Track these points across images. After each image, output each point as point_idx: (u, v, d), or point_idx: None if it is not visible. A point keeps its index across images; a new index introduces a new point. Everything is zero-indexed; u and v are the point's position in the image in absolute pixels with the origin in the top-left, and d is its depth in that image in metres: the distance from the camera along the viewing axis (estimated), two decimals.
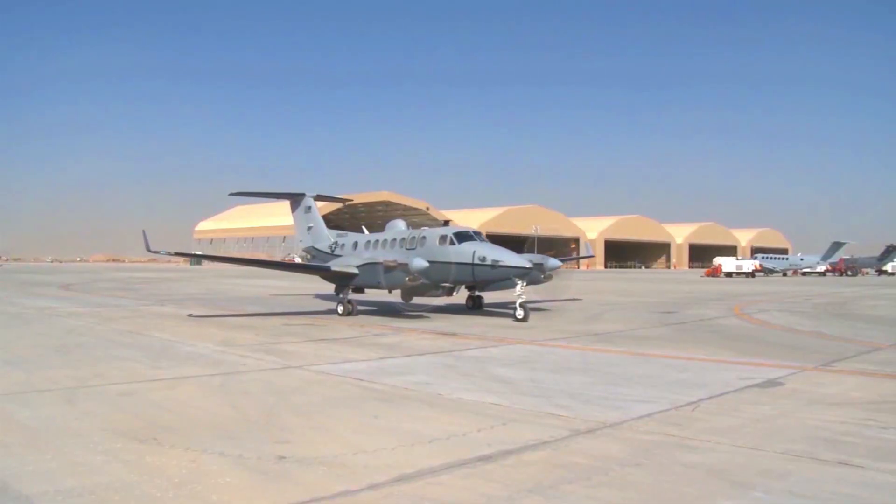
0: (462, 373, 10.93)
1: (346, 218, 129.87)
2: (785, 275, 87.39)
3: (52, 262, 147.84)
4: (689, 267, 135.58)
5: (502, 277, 19.93)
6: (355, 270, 21.20)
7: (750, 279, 73.38)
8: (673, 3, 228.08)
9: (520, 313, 19.59)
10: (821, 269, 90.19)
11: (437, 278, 20.70)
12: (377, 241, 23.95)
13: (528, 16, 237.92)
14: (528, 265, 19.74)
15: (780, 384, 10.00)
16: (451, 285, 21.70)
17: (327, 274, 22.22)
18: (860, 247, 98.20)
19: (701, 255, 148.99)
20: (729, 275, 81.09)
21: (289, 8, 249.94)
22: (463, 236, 21.01)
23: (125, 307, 24.88)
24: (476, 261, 20.05)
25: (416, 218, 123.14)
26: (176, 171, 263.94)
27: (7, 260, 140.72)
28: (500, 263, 19.77)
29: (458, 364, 11.87)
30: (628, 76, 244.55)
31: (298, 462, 5.92)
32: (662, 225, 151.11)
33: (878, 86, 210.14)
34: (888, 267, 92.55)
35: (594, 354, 13.35)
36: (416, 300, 23.09)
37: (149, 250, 21.11)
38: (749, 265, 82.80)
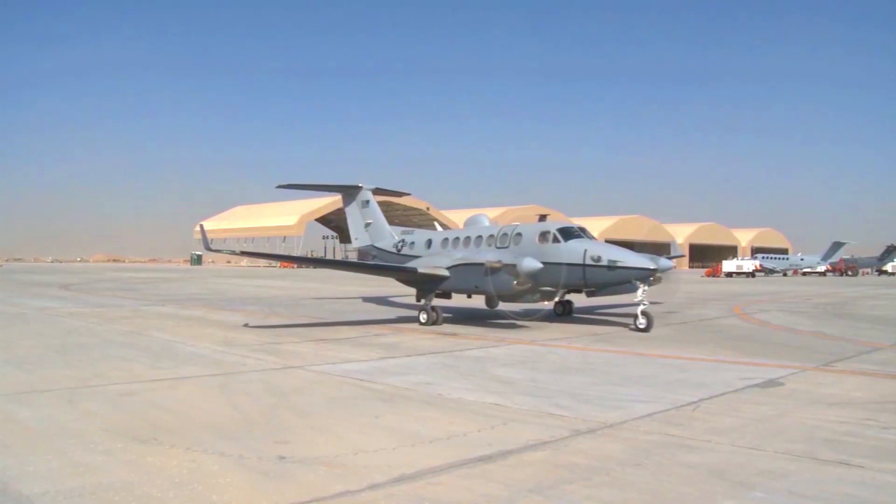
0: (462, 373, 10.93)
1: (346, 218, 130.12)
2: (785, 275, 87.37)
3: (52, 262, 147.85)
4: (690, 267, 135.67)
5: (620, 280, 17.44)
6: (445, 272, 18.70)
7: (750, 279, 73.39)
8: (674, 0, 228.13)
9: (642, 322, 17.11)
10: (821, 269, 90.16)
11: (544, 281, 17.93)
12: (457, 238, 21.31)
13: (527, 15, 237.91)
14: (653, 265, 17.20)
15: (781, 384, 10.01)
16: (554, 290, 18.83)
17: (413, 276, 19.56)
18: (860, 247, 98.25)
19: (701, 255, 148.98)
20: (729, 275, 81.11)
21: (288, 7, 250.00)
22: (568, 232, 18.46)
23: (125, 307, 24.89)
24: (588, 261, 17.46)
25: (416, 218, 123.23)
26: (176, 171, 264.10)
27: (7, 260, 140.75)
28: (619, 264, 17.20)
29: (459, 364, 11.88)
30: (628, 75, 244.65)
31: (298, 462, 5.93)
32: (663, 225, 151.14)
33: (878, 85, 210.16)
34: (888, 267, 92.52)
35: (594, 354, 13.36)
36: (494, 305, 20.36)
37: (208, 248, 19.67)
38: (749, 265, 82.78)
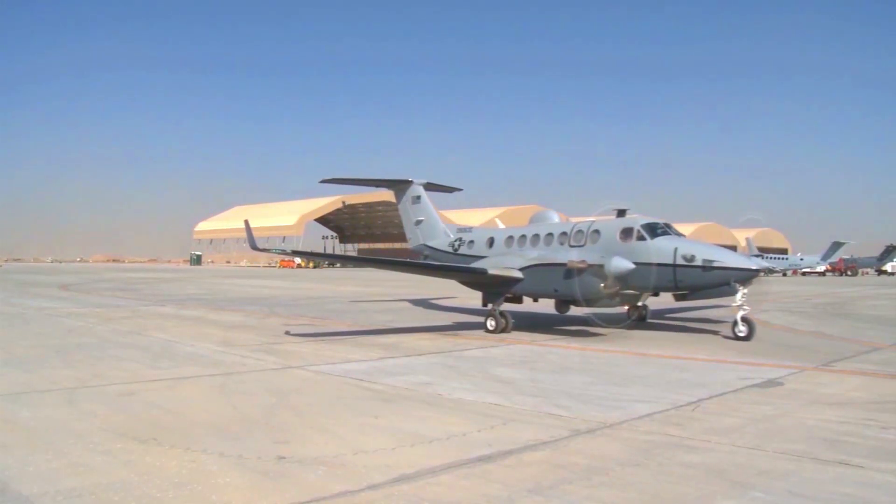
0: (462, 373, 10.93)
1: (346, 218, 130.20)
2: (785, 275, 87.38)
3: (52, 262, 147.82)
4: None
5: (716, 283, 15.59)
6: (518, 274, 16.91)
7: None
8: None
9: (742, 329, 15.41)
10: (820, 268, 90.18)
11: (632, 284, 16.27)
12: (524, 236, 19.54)
13: (526, 14, 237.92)
14: (754, 266, 15.60)
15: (780, 384, 10.01)
16: (637, 293, 17.24)
17: (482, 278, 17.69)
18: (860, 247, 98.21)
19: None
20: None
21: (288, 7, 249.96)
22: (654, 228, 16.67)
23: (125, 307, 24.88)
24: (680, 261, 15.72)
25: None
26: (176, 171, 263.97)
27: (7, 260, 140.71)
28: (716, 264, 15.45)
29: (458, 364, 11.88)
30: (627, 74, 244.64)
31: (298, 462, 5.93)
32: None
33: (879, 84, 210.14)
34: (888, 267, 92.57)
35: (594, 354, 13.36)
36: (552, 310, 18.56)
37: (254, 248, 18.13)
38: None
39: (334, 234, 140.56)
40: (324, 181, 24.52)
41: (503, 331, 16.64)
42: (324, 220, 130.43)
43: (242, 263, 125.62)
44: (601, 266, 15.41)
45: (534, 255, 17.44)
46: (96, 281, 50.11)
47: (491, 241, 20.76)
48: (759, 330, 17.94)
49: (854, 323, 20.61)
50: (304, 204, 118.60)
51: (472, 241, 21.66)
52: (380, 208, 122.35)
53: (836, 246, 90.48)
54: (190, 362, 11.81)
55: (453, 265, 20.22)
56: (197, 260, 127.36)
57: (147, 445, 6.42)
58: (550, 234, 18.61)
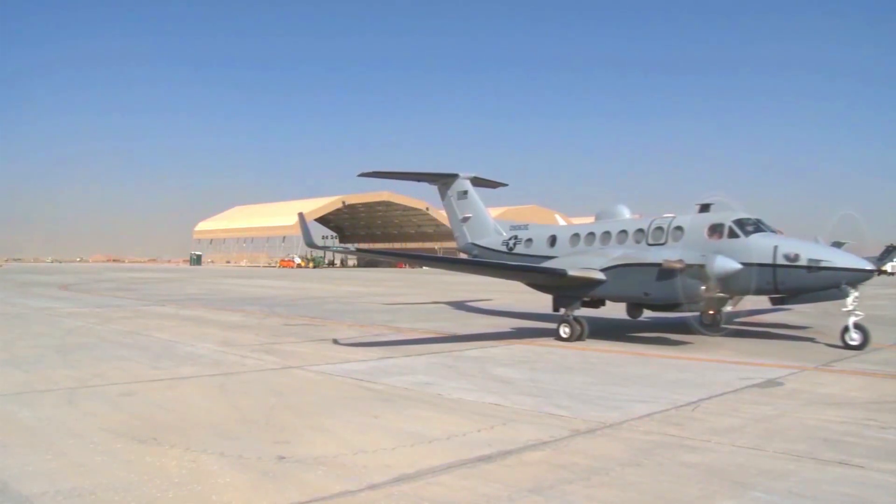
0: (462, 373, 10.93)
1: (346, 218, 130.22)
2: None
3: (52, 262, 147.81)
4: None
5: (823, 285, 13.99)
6: (600, 276, 15.18)
7: None
8: None
9: (854, 337, 13.80)
10: None
11: (733, 286, 14.69)
12: (591, 233, 17.95)
13: (526, 13, 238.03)
14: (870, 266, 14.03)
15: (780, 384, 10.01)
16: (729, 297, 15.79)
17: (561, 281, 15.76)
18: (860, 247, 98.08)
19: None
20: None
21: (286, 6, 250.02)
22: (747, 224, 15.07)
23: (125, 307, 24.89)
24: (781, 260, 14.09)
25: (416, 218, 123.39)
26: (176, 171, 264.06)
27: (7, 260, 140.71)
28: (824, 264, 13.77)
29: (458, 364, 11.88)
30: (626, 73, 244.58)
31: (298, 462, 5.93)
32: None
33: (878, 83, 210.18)
34: (888, 267, 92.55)
35: (594, 354, 13.35)
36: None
37: (310, 244, 16.98)
38: None
39: (334, 234, 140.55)
40: (363, 174, 22.76)
41: (578, 338, 15.10)
42: (324, 220, 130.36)
43: (242, 263, 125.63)
44: (702, 266, 13.85)
45: (617, 255, 15.61)
46: (96, 281, 50.12)
47: (552, 240, 19.23)
48: (758, 330, 17.92)
49: None
50: (304, 204, 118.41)
51: (529, 240, 20.09)
52: (380, 208, 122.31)
53: (836, 246, 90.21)
54: (190, 362, 11.81)
55: (532, 266, 17.52)
56: (197, 260, 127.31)
57: (147, 445, 6.42)
58: (624, 232, 17.05)
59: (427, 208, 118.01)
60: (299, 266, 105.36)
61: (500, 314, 23.47)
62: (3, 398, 8.63)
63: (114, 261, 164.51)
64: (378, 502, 4.97)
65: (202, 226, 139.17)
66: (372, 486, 5.29)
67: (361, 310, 24.76)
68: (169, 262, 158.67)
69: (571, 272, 15.55)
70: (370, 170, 22.63)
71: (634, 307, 16.41)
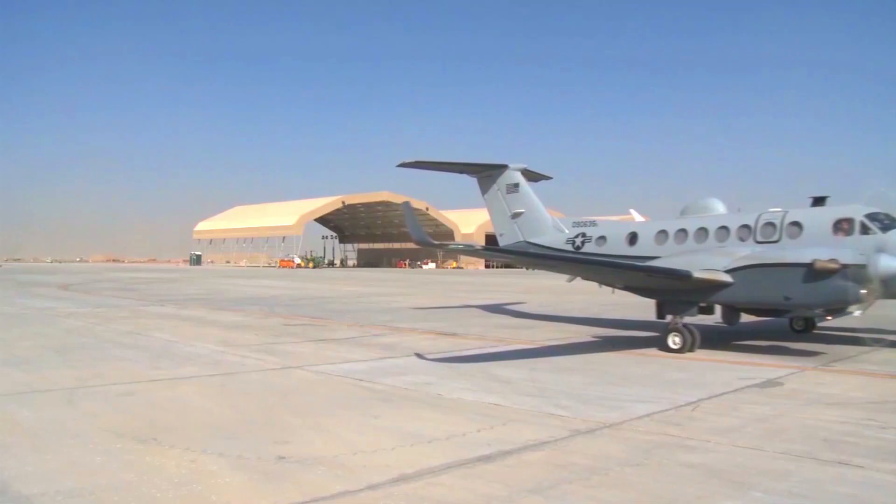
0: (462, 373, 10.93)
1: (345, 218, 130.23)
2: None
3: (52, 262, 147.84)
4: None
5: None
6: (726, 278, 13.39)
7: None
8: None
9: None
10: None
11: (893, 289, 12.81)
12: (683, 230, 16.13)
13: (526, 13, 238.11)
14: None
15: (780, 384, 10.01)
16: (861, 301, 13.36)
17: (681, 283, 13.86)
18: None
19: None
20: None
21: (286, 5, 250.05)
22: (881, 219, 13.55)
23: (125, 307, 24.89)
24: None
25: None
26: (176, 171, 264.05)
27: (7, 260, 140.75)
28: None
29: (459, 364, 11.87)
30: (625, 72, 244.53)
31: (298, 462, 5.93)
32: None
33: (878, 81, 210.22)
34: None
35: (594, 354, 13.35)
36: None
37: (421, 241, 14.80)
38: None
39: (334, 234, 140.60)
40: (403, 164, 20.78)
41: (690, 349, 13.43)
42: (323, 220, 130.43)
43: (242, 263, 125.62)
44: (862, 266, 12.01)
45: (743, 253, 13.83)
46: (96, 281, 50.12)
47: (633, 237, 17.34)
48: (758, 330, 17.90)
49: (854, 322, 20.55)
50: (304, 204, 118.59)
51: (602, 238, 18.15)
52: (379, 208, 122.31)
53: None
54: (190, 362, 11.80)
55: (657, 267, 14.81)
56: (197, 260, 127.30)
57: (147, 445, 6.42)
58: (724, 228, 15.32)
59: (427, 208, 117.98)
60: (299, 266, 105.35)
61: (549, 319, 21.48)
62: (3, 398, 8.62)
63: (114, 261, 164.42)
64: (378, 502, 4.97)
65: (202, 226, 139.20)
66: (372, 486, 5.28)
67: (363, 310, 24.76)
68: (169, 262, 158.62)
69: (697, 274, 13.62)
70: (411, 159, 20.53)
71: (734, 312, 14.85)
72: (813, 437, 6.87)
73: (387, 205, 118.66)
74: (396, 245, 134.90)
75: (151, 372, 10.79)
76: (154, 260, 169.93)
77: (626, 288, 16.11)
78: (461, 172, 22.57)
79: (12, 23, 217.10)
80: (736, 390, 9.49)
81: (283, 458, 6.06)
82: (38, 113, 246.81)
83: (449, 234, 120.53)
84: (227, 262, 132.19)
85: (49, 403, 8.34)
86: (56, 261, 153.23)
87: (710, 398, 8.92)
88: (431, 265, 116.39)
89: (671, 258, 15.26)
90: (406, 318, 21.53)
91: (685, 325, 13.85)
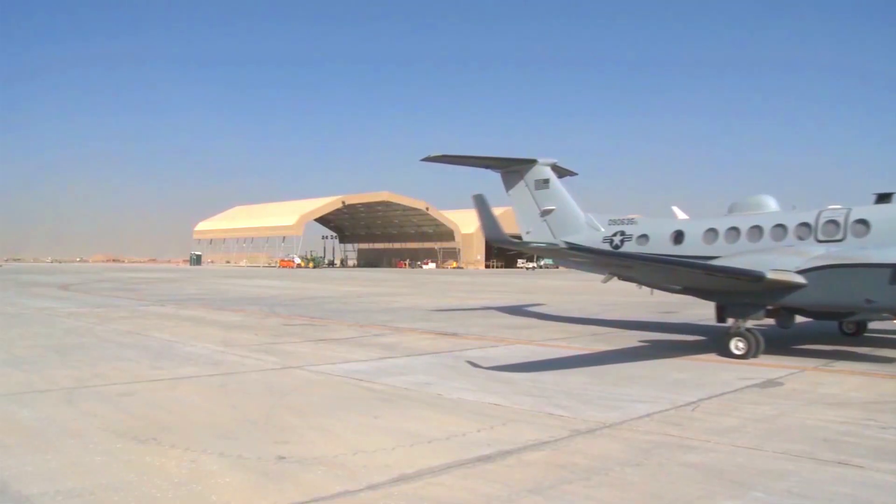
0: (462, 373, 10.93)
1: (345, 218, 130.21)
2: None
3: (52, 262, 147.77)
4: None
5: None
6: (799, 279, 12.50)
7: None
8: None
9: None
10: None
11: None
12: (734, 228, 15.33)
13: (526, 13, 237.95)
14: None
15: (780, 384, 10.01)
16: None
17: (753, 285, 12.90)
18: None
19: None
20: None
21: (286, 6, 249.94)
22: None
23: (125, 307, 24.88)
24: None
25: (415, 218, 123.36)
26: (176, 171, 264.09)
27: (7, 260, 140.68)
28: None
29: (458, 364, 11.87)
30: (625, 72, 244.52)
31: (298, 462, 5.93)
32: None
33: (877, 81, 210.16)
34: None
35: (594, 355, 13.34)
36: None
37: (497, 240, 13.62)
38: None
39: (334, 234, 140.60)
40: (427, 159, 20.04)
41: (754, 355, 12.67)
42: (323, 220, 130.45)
43: (242, 263, 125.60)
44: None
45: (818, 253, 12.90)
46: (96, 281, 50.10)
47: (678, 236, 16.49)
48: (758, 330, 17.85)
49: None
50: (304, 204, 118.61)
51: (643, 236, 17.34)
52: (379, 208, 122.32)
53: None
54: (190, 362, 11.80)
55: (733, 267, 13.27)
56: (197, 260, 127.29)
57: (147, 445, 6.42)
58: (781, 226, 14.52)
59: (427, 208, 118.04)
60: (299, 266, 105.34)
61: (572, 321, 20.71)
62: (3, 398, 8.62)
63: (114, 261, 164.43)
64: (378, 502, 4.97)
65: (202, 226, 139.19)
66: (372, 486, 5.28)
67: (363, 310, 24.75)
68: (169, 262, 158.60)
69: (770, 275, 12.69)
70: (436, 153, 19.75)
71: (789, 315, 14.24)
72: (813, 437, 6.87)
73: (387, 205, 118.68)
74: (396, 245, 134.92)
75: (151, 372, 10.78)
76: (154, 260, 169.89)
77: (684, 290, 15.04)
78: (486, 167, 21.62)
79: (12, 23, 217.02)
80: (736, 390, 9.49)
81: (283, 458, 6.06)
82: (38, 114, 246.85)
83: (449, 234, 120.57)
84: (227, 262, 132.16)
85: (49, 403, 8.33)
86: (56, 261, 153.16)
87: (710, 398, 8.92)
88: (431, 265, 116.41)
89: (733, 258, 14.22)
90: (406, 317, 21.53)
91: (748, 330, 13.06)
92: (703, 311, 24.27)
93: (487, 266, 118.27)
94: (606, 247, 17.99)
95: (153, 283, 46.67)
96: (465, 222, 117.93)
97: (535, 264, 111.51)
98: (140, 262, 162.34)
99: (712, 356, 12.92)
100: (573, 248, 15.40)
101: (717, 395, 9.11)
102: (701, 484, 5.42)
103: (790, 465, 5.91)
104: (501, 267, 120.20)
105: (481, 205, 13.52)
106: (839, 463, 5.99)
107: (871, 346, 14.39)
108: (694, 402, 8.62)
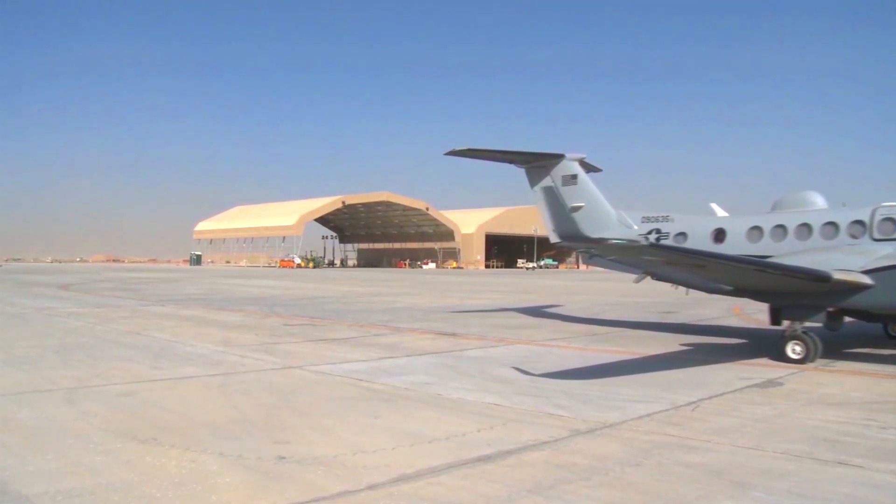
0: (462, 373, 10.93)
1: (345, 218, 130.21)
2: None
3: (52, 262, 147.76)
4: None
5: None
6: (866, 280, 11.93)
7: None
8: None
9: None
10: None
11: None
12: (780, 226, 14.66)
13: (526, 14, 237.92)
14: None
15: (780, 384, 10.01)
16: None
17: (817, 286, 12.11)
18: None
19: None
20: None
21: (286, 7, 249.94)
22: None
23: (125, 307, 24.87)
24: None
25: (415, 218, 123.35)
26: (176, 171, 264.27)
27: (7, 260, 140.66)
28: None
29: (458, 364, 11.87)
30: (624, 72, 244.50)
31: (298, 462, 5.93)
32: None
33: (877, 81, 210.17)
34: None
35: (594, 354, 13.34)
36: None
37: (571, 238, 12.71)
38: None
39: (334, 234, 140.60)
40: (452, 153, 19.25)
41: (812, 359, 12.06)
42: (323, 220, 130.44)
43: (242, 263, 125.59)
44: None
45: (885, 253, 12.34)
46: (96, 281, 50.10)
47: (719, 234, 15.77)
48: (758, 330, 17.89)
49: (853, 323, 20.55)
50: (304, 204, 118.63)
51: (681, 234, 16.60)
52: (379, 208, 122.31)
53: None
54: (190, 362, 11.80)
55: (799, 267, 12.37)
56: (197, 260, 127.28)
57: (147, 445, 6.42)
58: (832, 224, 13.82)
59: (427, 208, 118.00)
60: (299, 266, 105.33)
61: (619, 324, 19.74)
62: (3, 398, 8.62)
63: (114, 261, 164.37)
64: (378, 502, 4.97)
65: (202, 226, 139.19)
66: (372, 486, 5.28)
67: (363, 310, 24.75)
68: (169, 262, 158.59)
69: (836, 276, 12.01)
70: (461, 146, 19.03)
71: (839, 317, 13.66)
72: (813, 437, 6.87)
73: (387, 205, 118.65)
74: (396, 245, 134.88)
75: (151, 372, 10.78)
76: (154, 260, 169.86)
77: (736, 292, 14.30)
78: (510, 162, 20.78)
79: (13, 24, 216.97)
80: (736, 390, 9.49)
81: (283, 458, 6.06)
82: (38, 114, 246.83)
83: (449, 234, 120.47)
84: (228, 262, 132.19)
85: (49, 403, 8.33)
86: (56, 261, 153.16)
87: (710, 398, 8.92)
88: (431, 265, 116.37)
89: (787, 257, 13.50)
90: (406, 317, 21.53)
91: (805, 332, 12.45)
92: (702, 312, 24.29)
93: (487, 266, 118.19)
94: None
95: (153, 283, 46.66)
96: (465, 222, 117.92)
97: (534, 264, 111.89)
98: (140, 262, 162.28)
99: (765, 360, 12.34)
100: (656, 246, 14.08)
101: (717, 395, 9.11)
102: (701, 484, 5.42)
103: (790, 465, 5.91)
104: (501, 267, 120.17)
105: (551, 197, 12.53)
106: (839, 463, 5.99)
107: (871, 346, 14.39)
108: (694, 402, 8.62)
